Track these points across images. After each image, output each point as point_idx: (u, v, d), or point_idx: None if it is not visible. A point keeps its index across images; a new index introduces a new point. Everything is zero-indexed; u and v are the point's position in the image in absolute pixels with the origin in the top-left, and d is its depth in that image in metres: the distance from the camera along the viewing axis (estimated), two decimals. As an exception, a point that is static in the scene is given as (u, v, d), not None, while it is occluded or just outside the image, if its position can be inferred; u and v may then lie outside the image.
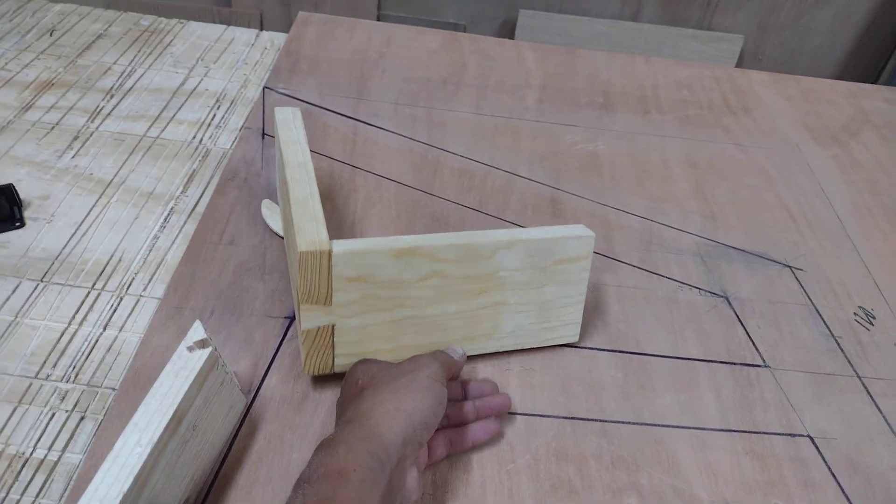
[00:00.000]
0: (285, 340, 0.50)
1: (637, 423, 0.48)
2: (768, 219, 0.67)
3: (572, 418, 0.48)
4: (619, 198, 0.67)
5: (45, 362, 0.47)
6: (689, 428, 0.48)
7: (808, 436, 0.49)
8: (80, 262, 0.54)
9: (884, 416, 0.51)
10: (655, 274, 0.59)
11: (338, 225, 0.60)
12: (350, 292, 0.44)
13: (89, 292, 0.52)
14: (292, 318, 0.51)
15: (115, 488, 0.33)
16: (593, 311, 0.55)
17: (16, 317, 0.49)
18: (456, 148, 0.70)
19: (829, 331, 0.57)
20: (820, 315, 0.58)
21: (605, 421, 0.48)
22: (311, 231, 0.43)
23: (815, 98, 0.86)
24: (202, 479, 0.40)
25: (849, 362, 0.54)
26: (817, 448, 0.48)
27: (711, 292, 0.58)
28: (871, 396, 0.52)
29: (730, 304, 0.58)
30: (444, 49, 0.85)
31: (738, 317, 0.57)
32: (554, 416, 0.48)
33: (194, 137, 0.68)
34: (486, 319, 0.49)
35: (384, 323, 0.47)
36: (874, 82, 1.48)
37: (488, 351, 0.50)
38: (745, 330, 0.56)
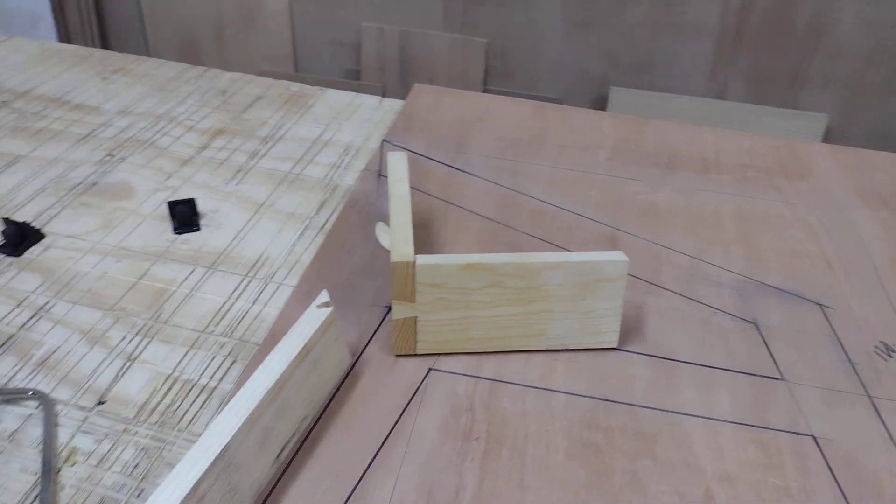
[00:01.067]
0: (383, 323, 0.64)
1: (659, 409, 0.58)
2: (807, 265, 0.75)
3: (605, 399, 0.59)
4: (672, 239, 0.78)
5: (209, 322, 0.63)
6: (705, 418, 0.58)
7: (812, 435, 0.57)
8: (238, 257, 0.71)
9: (886, 428, 0.58)
10: (694, 300, 0.70)
11: (430, 247, 0.74)
12: (428, 294, 0.58)
13: (243, 279, 0.69)
14: (389, 308, 0.65)
15: (262, 386, 0.48)
16: (635, 325, 0.66)
17: (192, 291, 0.67)
18: (534, 193, 0.84)
19: (848, 357, 0.64)
20: (841, 344, 0.66)
21: (633, 405, 0.58)
22: (402, 248, 0.58)
23: (872, 167, 0.94)
24: (316, 407, 0.55)
25: (861, 384, 0.62)
26: (818, 445, 0.56)
27: (743, 318, 0.68)
28: (877, 412, 0.59)
29: (758, 329, 0.67)
30: (533, 116, 1.00)
31: (763, 339, 0.66)
32: (590, 397, 0.59)
33: (326, 175, 0.85)
34: (536, 323, 0.61)
35: (454, 319, 0.60)
36: (967, 164, 1.50)
37: (540, 348, 0.62)
38: (769, 350, 0.65)
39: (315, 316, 0.53)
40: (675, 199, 0.85)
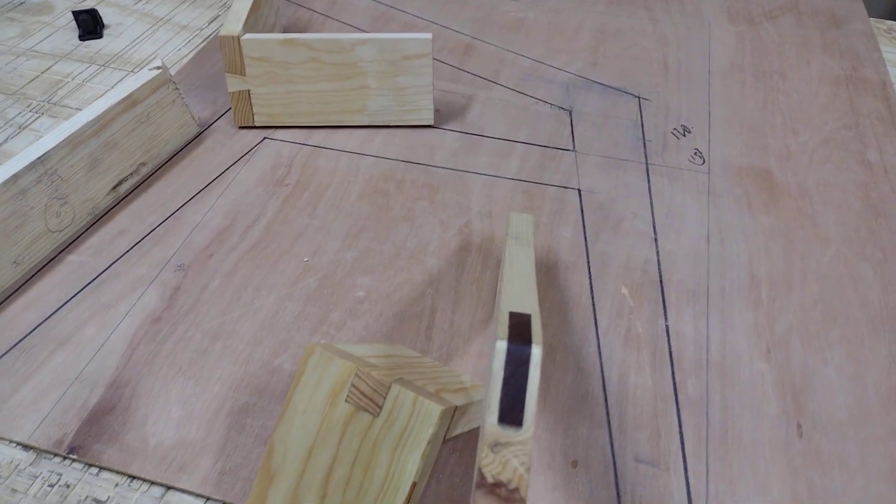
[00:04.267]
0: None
1: (453, 169, 0.67)
2: (644, 69, 0.81)
3: (408, 161, 0.68)
4: (524, 48, 0.84)
5: (90, 103, 0.75)
6: (490, 175, 0.67)
7: (578, 189, 0.66)
8: (130, 58, 0.82)
9: (649, 185, 0.66)
10: (521, 93, 0.77)
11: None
12: (256, 68, 0.68)
13: (128, 73, 0.79)
14: (246, 94, 0.75)
15: (84, 118, 0.59)
16: (460, 111, 0.74)
17: (83, 82, 0.78)
18: (410, 10, 0.91)
19: (643, 135, 0.72)
20: (642, 126, 0.73)
21: (431, 165, 0.68)
22: (231, 26, 0.67)
23: (756, -8, 0.97)
24: (157, 158, 0.66)
25: (644, 154, 0.69)
26: (580, 196, 0.65)
27: (560, 107, 0.75)
28: (647, 175, 0.67)
29: (570, 115, 0.74)
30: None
31: (571, 122, 0.73)
32: (395, 160, 0.68)
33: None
34: (356, 99, 0.70)
35: (282, 93, 0.69)
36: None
37: (363, 123, 0.72)
38: (572, 129, 0.72)
39: (144, 76, 0.64)
40: (543, 16, 0.90)
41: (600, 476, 0.45)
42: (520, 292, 0.37)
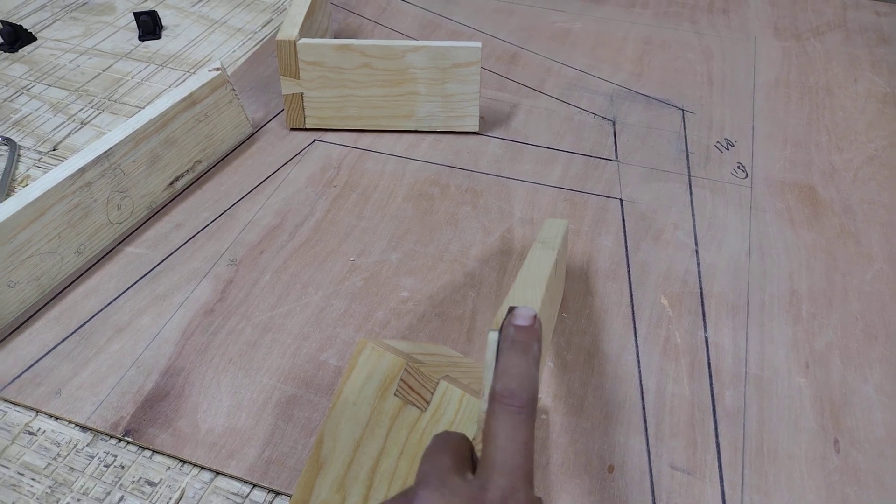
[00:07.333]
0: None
1: (496, 176, 0.69)
2: (689, 81, 0.82)
3: (453, 167, 0.70)
4: (569, 58, 0.85)
5: (148, 102, 0.78)
6: (533, 182, 0.68)
7: (620, 199, 0.66)
8: (186, 59, 0.85)
9: (691, 197, 0.66)
10: (565, 102, 0.78)
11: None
12: (310, 72, 0.70)
13: (185, 74, 0.82)
14: (296, 96, 0.78)
15: (147, 116, 0.61)
16: (505, 118, 0.76)
17: (142, 81, 0.81)
18: (457, 18, 0.92)
19: (686, 147, 0.72)
20: (686, 138, 0.73)
21: (475, 171, 0.69)
22: (287, 30, 0.69)
23: (803, 7, 0.96)
24: (212, 156, 0.68)
25: (687, 165, 0.70)
26: (622, 206, 0.66)
27: (604, 117, 0.76)
28: (689, 186, 0.68)
29: (614, 125, 0.75)
30: (485, -43, 1.07)
31: (614, 132, 0.74)
32: (441, 164, 0.70)
33: (279, 1, 0.97)
34: (405, 104, 0.72)
35: (334, 97, 0.72)
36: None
37: (410, 128, 0.73)
38: (615, 139, 0.73)
39: (204, 76, 0.66)
40: (589, 27, 0.91)
41: (636, 482, 0.45)
42: (526, 290, 0.37)
